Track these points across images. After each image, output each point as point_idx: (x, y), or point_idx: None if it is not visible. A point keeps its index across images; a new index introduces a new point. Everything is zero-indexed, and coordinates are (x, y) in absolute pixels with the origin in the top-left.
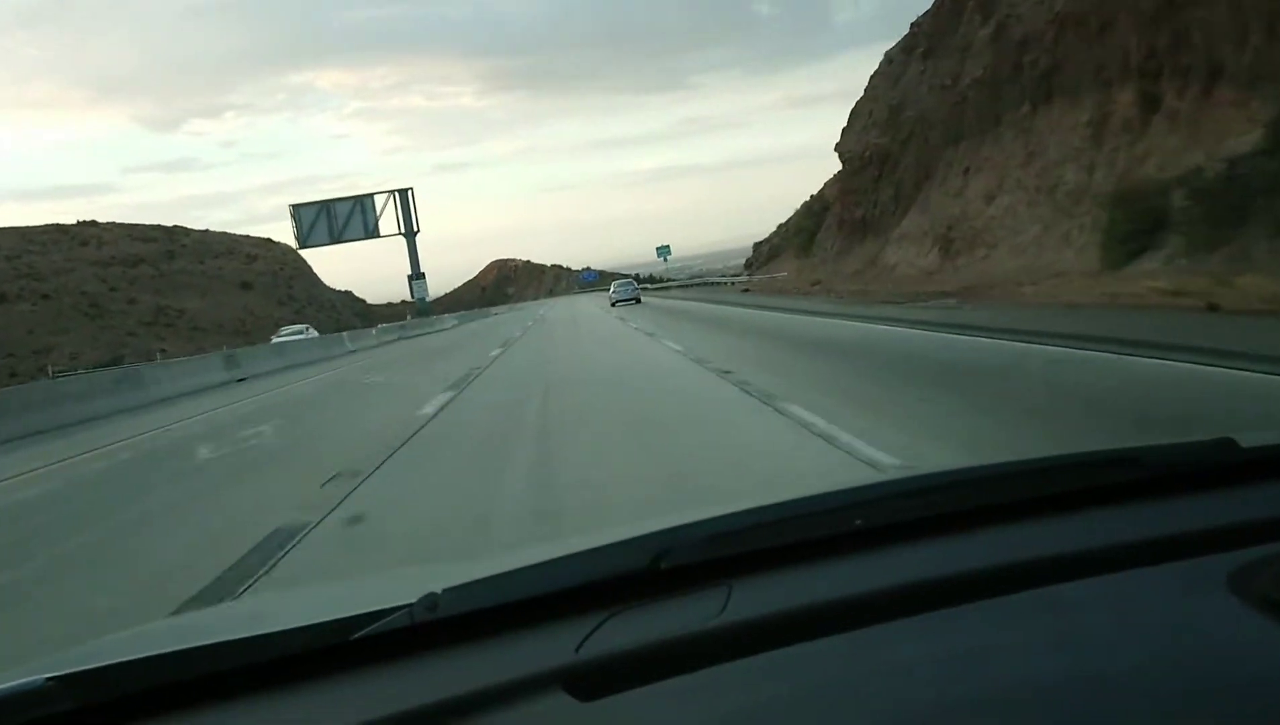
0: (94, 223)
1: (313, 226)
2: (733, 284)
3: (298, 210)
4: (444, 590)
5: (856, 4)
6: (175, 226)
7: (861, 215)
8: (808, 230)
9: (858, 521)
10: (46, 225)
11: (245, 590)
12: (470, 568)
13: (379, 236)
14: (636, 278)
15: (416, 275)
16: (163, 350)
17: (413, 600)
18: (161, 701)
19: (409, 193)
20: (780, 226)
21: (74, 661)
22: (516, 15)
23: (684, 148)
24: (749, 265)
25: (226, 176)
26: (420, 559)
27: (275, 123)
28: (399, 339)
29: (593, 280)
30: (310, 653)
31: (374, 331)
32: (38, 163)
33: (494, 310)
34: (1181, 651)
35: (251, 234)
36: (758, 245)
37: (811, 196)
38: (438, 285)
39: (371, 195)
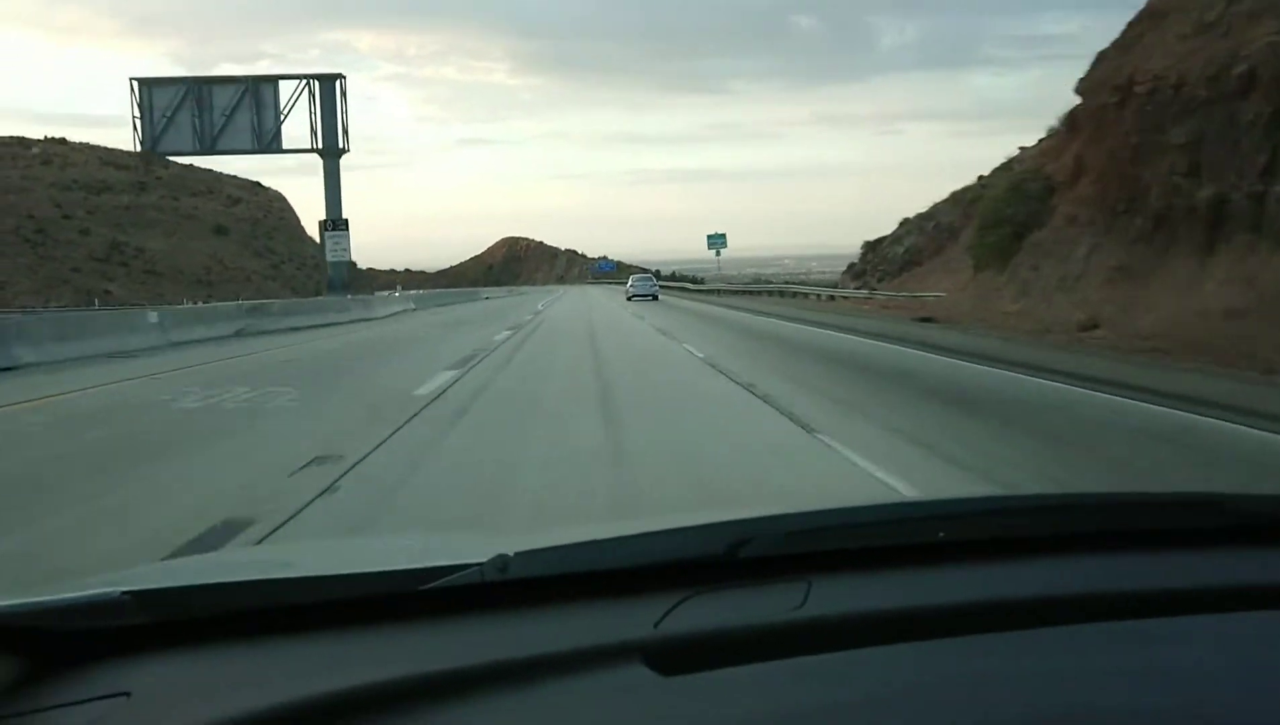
0: (63, 141)
1: (170, 120)
2: (832, 298)
3: (146, 89)
4: (515, 553)
5: (901, 29)
6: (158, 155)
7: (1169, 202)
8: (1002, 227)
9: (940, 534)
10: (8, 137)
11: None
12: (540, 536)
13: (281, 150)
14: (672, 276)
15: (334, 223)
16: (107, 291)
17: (483, 560)
18: (229, 628)
19: (336, 84)
20: (908, 222)
21: (147, 579)
22: None
23: (710, 152)
24: (859, 275)
25: None
26: None
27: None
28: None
29: (608, 270)
30: (375, 599)
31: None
32: (61, 89)
33: (485, 292)
34: (1273, 695)
35: (251, 178)
36: (872, 245)
37: (1014, 167)
38: (441, 257)
39: (275, 80)
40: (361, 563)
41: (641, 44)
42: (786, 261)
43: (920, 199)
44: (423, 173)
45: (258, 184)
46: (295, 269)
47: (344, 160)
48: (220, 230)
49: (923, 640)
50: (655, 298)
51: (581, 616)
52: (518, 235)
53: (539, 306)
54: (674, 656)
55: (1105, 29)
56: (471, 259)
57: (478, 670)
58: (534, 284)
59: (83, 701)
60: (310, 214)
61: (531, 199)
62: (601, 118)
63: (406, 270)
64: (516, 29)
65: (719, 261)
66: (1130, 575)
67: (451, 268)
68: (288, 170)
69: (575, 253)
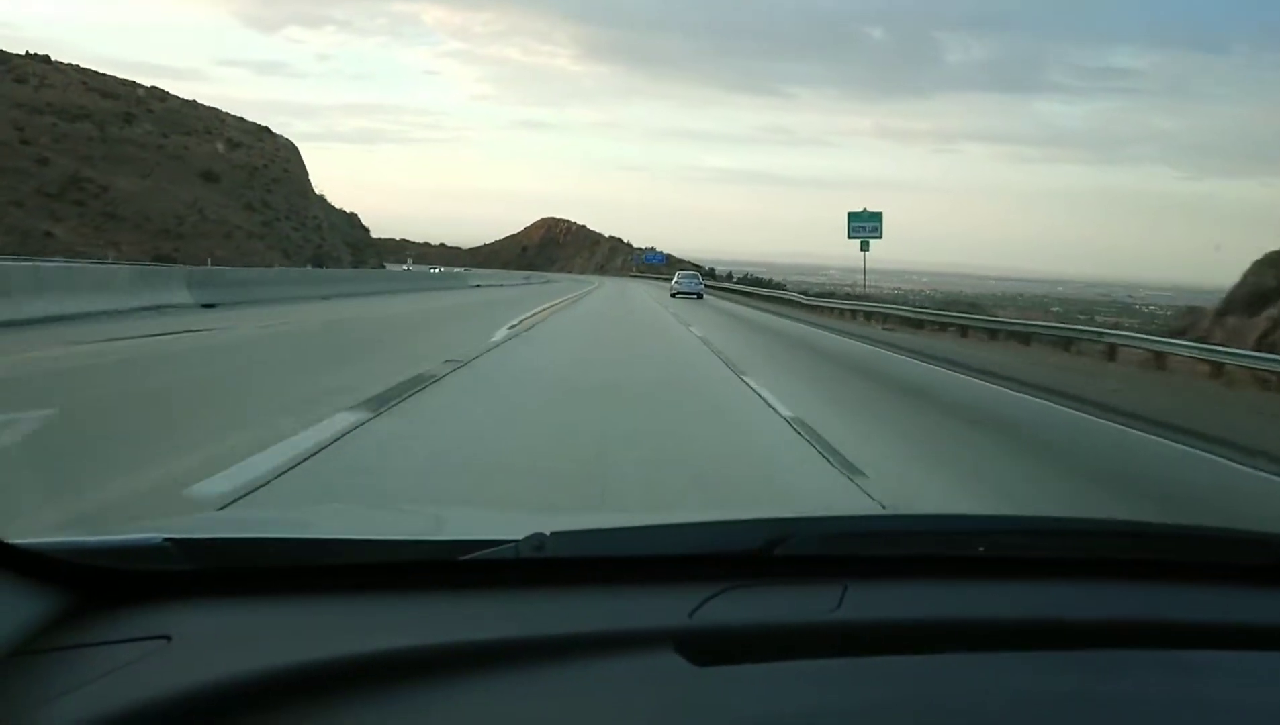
0: (47, 60)
1: None
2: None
3: None
4: (552, 533)
5: (968, 48)
6: (153, 87)
7: None
8: None
9: (980, 548)
10: None
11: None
12: (577, 518)
13: None
14: (743, 277)
15: None
16: (48, 234)
17: (519, 537)
18: (269, 584)
19: None
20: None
21: (190, 528)
22: None
23: (766, 155)
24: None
25: (313, 89)
26: None
27: (371, 46)
28: None
29: (657, 262)
30: (411, 566)
31: None
32: (130, 35)
33: (476, 277)
34: None
35: (266, 123)
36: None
37: None
38: (476, 235)
39: None
40: (400, 530)
41: (705, 41)
42: (920, 277)
43: (981, 220)
44: (475, 151)
45: (265, 129)
46: (292, 228)
47: (395, 132)
48: (209, 176)
49: (957, 653)
50: (700, 297)
51: (615, 601)
52: (558, 216)
53: (511, 322)
54: (707, 647)
55: (1176, 68)
56: (506, 238)
57: (511, 644)
58: (570, 271)
59: (124, 641)
60: (325, 174)
61: (581, 187)
62: (659, 111)
63: (442, 245)
64: (584, 14)
65: (866, 260)
66: (1172, 605)
67: (483, 247)
68: (313, 135)
69: (620, 241)
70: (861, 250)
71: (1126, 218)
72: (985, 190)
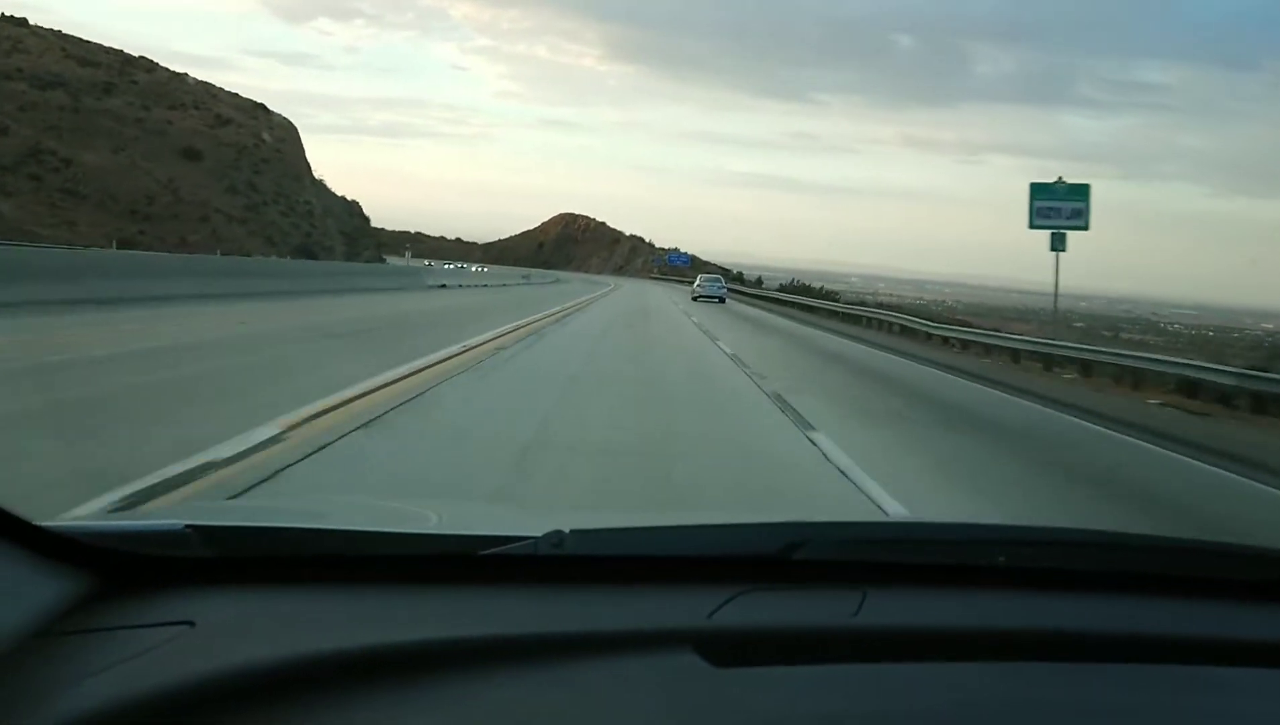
0: (24, 23)
1: None
2: None
3: None
4: (570, 531)
5: (997, 60)
6: (141, 57)
7: None
8: None
9: (1001, 558)
10: None
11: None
12: (596, 516)
13: None
14: (806, 288)
15: None
16: None
17: (538, 534)
18: (292, 573)
19: None
20: None
21: (212, 515)
22: None
23: (789, 160)
24: None
25: (340, 82)
26: None
27: (398, 41)
28: None
29: (681, 264)
30: (430, 559)
31: None
32: (161, 22)
33: (439, 278)
34: None
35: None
36: None
37: None
38: (495, 229)
39: None
40: (419, 524)
41: (732, 44)
42: (941, 286)
43: (1002, 232)
44: (499, 147)
45: (261, 106)
46: (279, 214)
47: (421, 126)
48: (190, 153)
49: (976, 662)
50: (723, 301)
51: (633, 600)
52: (576, 212)
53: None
54: (726, 648)
55: (1205, 84)
56: (520, 234)
57: (530, 639)
58: (586, 271)
59: (149, 625)
60: (345, 165)
61: (603, 186)
62: (684, 113)
63: (458, 240)
64: (612, 14)
65: (1058, 264)
66: (1196, 620)
67: (497, 242)
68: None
69: (641, 240)
70: (1053, 250)
71: (1151, 234)
72: (1010, 203)
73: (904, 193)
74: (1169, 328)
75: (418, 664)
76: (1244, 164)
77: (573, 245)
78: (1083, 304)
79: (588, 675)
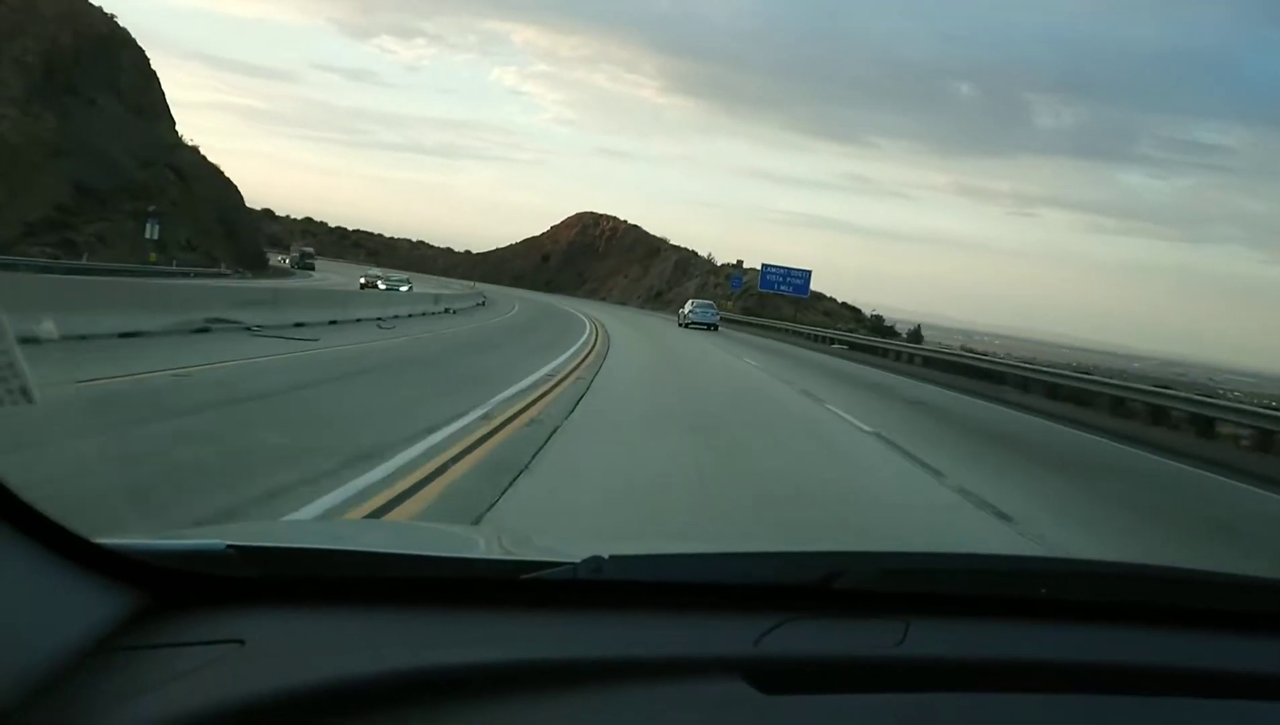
0: None
1: None
2: None
3: None
4: (610, 556)
5: (1058, 113)
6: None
7: None
8: None
9: (1043, 590)
10: None
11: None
12: (635, 543)
13: None
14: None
15: None
16: None
17: (578, 559)
18: (337, 594)
19: None
20: None
21: (256, 536)
22: (718, 24)
23: (842, 202)
24: None
25: (400, 100)
26: None
27: (459, 63)
28: None
29: (734, 288)
30: (471, 583)
31: None
32: (231, 32)
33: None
34: None
35: None
36: None
37: None
38: (493, 238)
39: None
40: (463, 548)
41: (789, 83)
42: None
43: (1053, 287)
44: (554, 174)
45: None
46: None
47: (478, 148)
48: None
49: (1019, 693)
50: (716, 328)
51: (673, 626)
52: (599, 211)
53: None
54: (774, 676)
55: (1265, 148)
56: (523, 241)
57: (570, 664)
58: (601, 300)
59: (198, 644)
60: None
61: (654, 215)
62: (738, 149)
63: (467, 252)
64: (672, 47)
65: None
66: (1240, 656)
67: (494, 252)
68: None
69: (693, 254)
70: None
71: (1205, 297)
72: (1060, 257)
73: (954, 241)
74: (1229, 394)
75: (462, 686)
76: None
77: (591, 257)
78: (1135, 365)
79: (631, 700)
